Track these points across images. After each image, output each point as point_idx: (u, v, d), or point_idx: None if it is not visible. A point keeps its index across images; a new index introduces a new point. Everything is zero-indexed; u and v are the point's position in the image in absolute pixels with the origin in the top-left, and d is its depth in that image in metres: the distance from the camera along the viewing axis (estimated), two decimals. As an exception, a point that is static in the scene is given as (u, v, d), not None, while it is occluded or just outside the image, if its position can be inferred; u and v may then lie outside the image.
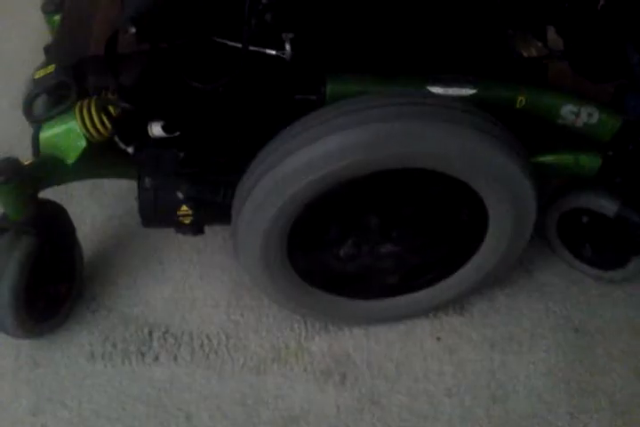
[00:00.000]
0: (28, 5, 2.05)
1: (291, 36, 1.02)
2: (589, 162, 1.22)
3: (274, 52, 1.04)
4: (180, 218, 1.18)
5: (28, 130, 1.22)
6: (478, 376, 1.26)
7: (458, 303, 1.36)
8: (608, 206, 1.26)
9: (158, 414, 1.21)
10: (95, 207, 1.54)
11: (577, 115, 1.17)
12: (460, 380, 1.26)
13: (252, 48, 1.03)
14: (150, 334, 1.32)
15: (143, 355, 1.29)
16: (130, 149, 1.16)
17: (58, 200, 1.41)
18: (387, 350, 1.30)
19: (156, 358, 1.29)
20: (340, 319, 1.33)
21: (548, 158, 1.22)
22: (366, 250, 1.20)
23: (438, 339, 1.32)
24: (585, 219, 1.32)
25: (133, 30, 0.97)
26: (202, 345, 1.31)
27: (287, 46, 1.02)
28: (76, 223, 1.48)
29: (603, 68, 1.23)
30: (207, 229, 1.46)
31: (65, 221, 1.28)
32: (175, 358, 1.29)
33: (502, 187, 1.09)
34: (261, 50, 1.04)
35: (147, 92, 1.09)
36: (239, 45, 1.02)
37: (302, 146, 1.01)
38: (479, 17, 1.15)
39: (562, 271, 1.42)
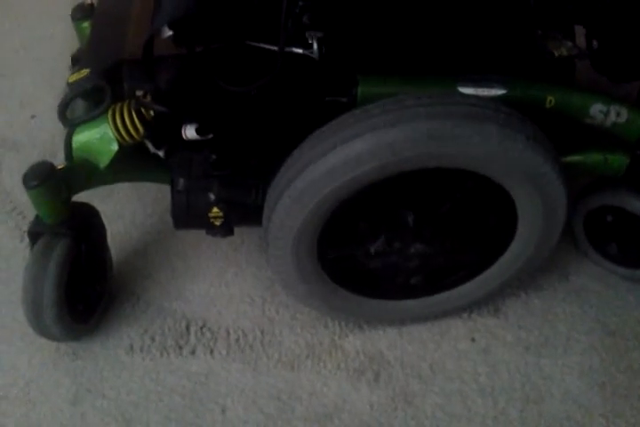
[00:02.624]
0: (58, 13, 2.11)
1: (318, 34, 1.03)
2: (618, 161, 1.23)
3: (301, 51, 1.04)
4: (212, 220, 1.20)
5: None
6: (512, 378, 1.26)
7: (492, 305, 1.36)
8: (635, 204, 1.26)
9: (194, 406, 1.23)
10: (135, 204, 1.57)
11: (606, 114, 1.17)
12: (494, 381, 1.26)
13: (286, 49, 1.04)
14: (187, 328, 1.35)
15: (181, 348, 1.31)
16: (161, 153, 1.17)
17: (99, 197, 1.45)
18: (421, 349, 1.31)
19: (193, 352, 1.31)
20: (367, 319, 1.33)
21: (577, 158, 1.22)
22: (397, 248, 1.21)
23: (473, 340, 1.32)
24: (612, 217, 1.33)
25: (170, 34, 0.98)
26: (237, 340, 1.33)
27: (315, 45, 1.03)
28: (116, 219, 1.53)
29: (625, 68, 1.23)
30: (244, 228, 1.49)
31: (98, 223, 1.30)
32: (211, 352, 1.31)
33: (534, 187, 1.09)
34: (289, 49, 1.04)
35: (182, 95, 1.11)
36: (273, 48, 1.03)
37: (338, 145, 1.02)
38: (509, 17, 1.15)
39: (598, 275, 1.41)
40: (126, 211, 1.55)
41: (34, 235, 1.21)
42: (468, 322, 1.35)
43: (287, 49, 1.04)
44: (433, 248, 1.22)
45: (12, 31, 2.06)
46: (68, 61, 1.89)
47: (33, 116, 1.80)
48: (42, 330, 1.23)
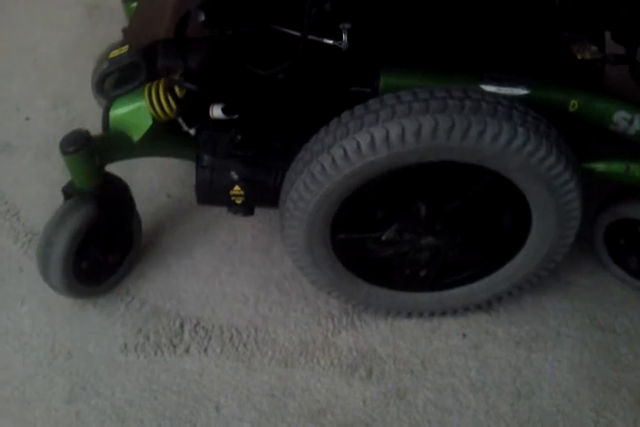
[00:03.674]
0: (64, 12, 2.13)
1: (348, 26, 1.06)
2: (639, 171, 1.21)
3: (331, 42, 1.07)
4: (233, 198, 1.23)
5: (65, 129, 1.26)
6: (504, 372, 1.28)
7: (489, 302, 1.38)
8: None
9: (189, 403, 1.24)
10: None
11: (630, 122, 1.16)
12: (485, 376, 1.27)
13: (311, 37, 1.07)
14: (182, 326, 1.36)
15: (175, 347, 1.32)
16: (192, 131, 1.21)
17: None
18: (413, 345, 1.32)
19: (187, 350, 1.32)
20: (374, 306, 1.34)
21: (600, 166, 1.21)
22: (408, 238, 1.22)
23: (464, 335, 1.33)
24: (631, 231, 1.31)
25: (203, 17, 1.02)
26: (231, 338, 1.34)
27: (344, 36, 1.06)
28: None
29: None
30: (237, 226, 1.52)
31: (126, 197, 1.35)
32: (205, 350, 1.32)
33: (547, 188, 1.09)
34: (319, 39, 1.08)
35: (211, 75, 1.15)
36: (299, 34, 1.06)
37: (353, 133, 1.04)
38: (536, 18, 1.16)
39: (588, 271, 1.42)
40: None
41: (66, 194, 1.28)
42: (459, 318, 1.36)
43: (317, 39, 1.07)
44: (444, 242, 1.23)
45: (6, 35, 2.07)
46: (64, 65, 1.91)
47: (27, 119, 1.81)
48: (48, 281, 1.30)
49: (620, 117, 1.16)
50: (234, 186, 1.21)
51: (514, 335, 1.33)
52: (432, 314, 1.35)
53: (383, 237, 1.21)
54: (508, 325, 1.35)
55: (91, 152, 1.21)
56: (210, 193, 1.23)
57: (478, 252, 1.27)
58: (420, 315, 1.35)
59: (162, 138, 1.30)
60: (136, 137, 1.27)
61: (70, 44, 2.01)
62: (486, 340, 1.33)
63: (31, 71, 1.94)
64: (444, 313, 1.35)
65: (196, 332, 1.35)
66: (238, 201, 1.23)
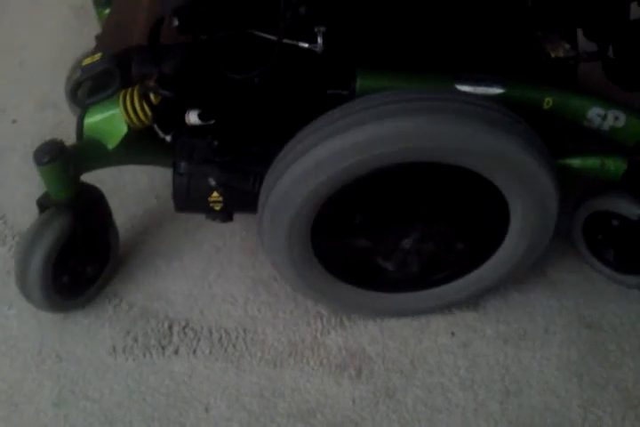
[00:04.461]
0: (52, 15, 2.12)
1: (323, 29, 1.06)
2: (614, 166, 1.22)
3: (306, 46, 1.08)
4: (211, 204, 1.22)
5: (52, 131, 1.26)
6: (492, 370, 1.28)
7: (471, 299, 1.38)
8: (631, 210, 1.26)
9: (178, 405, 1.24)
10: (118, 206, 1.55)
11: (604, 118, 1.18)
12: (474, 374, 1.28)
13: (286, 41, 1.07)
14: (170, 328, 1.35)
15: (163, 348, 1.32)
16: (168, 138, 1.21)
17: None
18: (402, 344, 1.32)
19: (176, 352, 1.32)
20: (359, 310, 1.35)
21: (575, 162, 1.22)
22: (390, 239, 1.23)
23: (452, 334, 1.34)
24: (610, 223, 1.32)
25: (176, 22, 1.02)
26: (220, 339, 1.34)
27: (319, 40, 1.06)
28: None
29: (637, 76, 1.24)
30: (226, 228, 1.51)
31: (102, 206, 1.34)
32: (194, 352, 1.31)
33: (524, 185, 1.10)
34: (294, 43, 1.08)
35: (186, 80, 1.15)
36: (274, 38, 1.06)
37: (334, 135, 1.04)
38: (509, 17, 1.17)
39: (575, 269, 1.43)
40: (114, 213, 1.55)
41: (42, 206, 1.26)
42: (447, 316, 1.36)
43: (292, 42, 1.07)
44: (425, 242, 1.23)
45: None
46: (51, 67, 1.91)
47: (14, 121, 1.80)
48: (28, 296, 1.28)
49: (594, 114, 1.17)
50: (212, 192, 1.20)
51: (502, 333, 1.34)
52: (419, 313, 1.35)
53: (364, 241, 1.21)
54: (496, 323, 1.35)
55: (65, 162, 1.20)
56: (188, 200, 1.22)
57: (461, 249, 1.27)
58: (408, 315, 1.35)
59: (138, 145, 1.29)
60: (111, 145, 1.25)
61: (57, 46, 2.00)
62: (475, 338, 1.33)
63: (18, 73, 1.94)
64: (430, 312, 1.35)
65: (184, 333, 1.35)
66: (217, 207, 1.22)
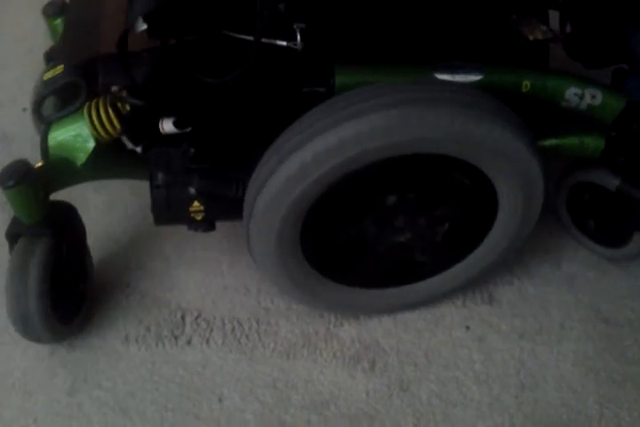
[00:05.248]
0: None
1: (302, 26, 1.03)
2: (593, 143, 1.24)
3: (285, 44, 1.04)
4: (192, 214, 1.19)
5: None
6: (507, 365, 1.27)
7: (486, 293, 1.37)
8: (610, 180, 1.28)
9: (191, 395, 1.24)
10: (128, 194, 1.56)
11: (581, 97, 1.19)
12: (489, 368, 1.27)
13: (263, 40, 1.03)
14: (183, 318, 1.35)
15: (176, 338, 1.31)
16: (138, 149, 1.16)
17: (92, 187, 1.46)
18: (416, 338, 1.32)
19: (189, 342, 1.31)
20: (361, 310, 1.34)
21: (553, 142, 1.24)
22: (379, 236, 1.21)
23: (467, 328, 1.33)
24: (590, 195, 1.36)
25: (145, 27, 0.97)
26: (233, 330, 1.33)
27: (298, 37, 1.03)
28: (109, 210, 1.53)
29: (599, 54, 1.25)
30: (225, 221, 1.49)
31: (76, 221, 1.27)
32: (207, 342, 1.31)
33: (511, 170, 1.10)
34: (272, 41, 1.04)
35: (158, 88, 1.10)
36: (250, 38, 1.02)
37: (322, 132, 1.02)
38: (483, 2, 1.15)
39: (591, 263, 1.42)
40: (119, 201, 1.55)
41: (13, 236, 1.19)
42: (462, 310, 1.35)
43: (269, 41, 1.03)
44: (415, 234, 1.22)
45: (2, 24, 2.05)
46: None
47: (24, 109, 1.79)
48: (29, 333, 1.21)
49: (572, 94, 1.18)
50: (192, 202, 1.17)
51: (517, 328, 1.33)
52: (425, 303, 1.35)
53: (355, 239, 1.20)
54: (512, 317, 1.34)
55: (33, 183, 1.13)
56: (168, 212, 1.18)
57: (452, 236, 1.26)
58: (415, 306, 1.35)
59: (109, 159, 1.22)
60: (80, 161, 1.17)
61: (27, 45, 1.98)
62: (490, 332, 1.32)
63: (28, 61, 1.92)
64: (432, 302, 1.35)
65: (197, 324, 1.34)
66: (198, 217, 1.19)
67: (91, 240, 1.33)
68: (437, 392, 1.24)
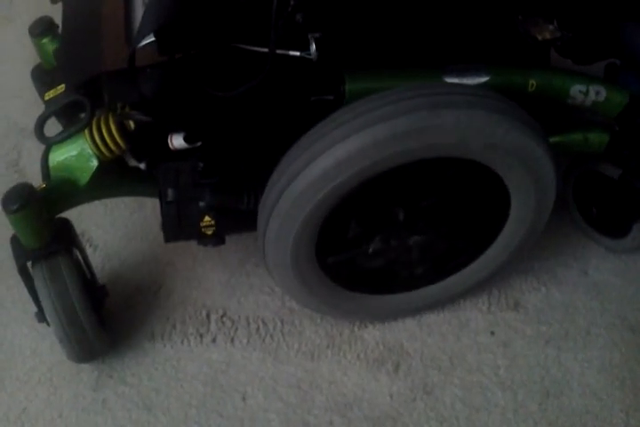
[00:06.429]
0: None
1: (318, 35, 1.01)
2: (598, 139, 1.27)
3: (298, 54, 1.02)
4: (203, 229, 1.18)
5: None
6: (532, 371, 1.27)
7: (512, 299, 1.37)
8: (613, 169, 1.30)
9: (215, 393, 1.24)
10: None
11: (586, 94, 1.20)
12: (513, 374, 1.26)
13: (278, 51, 1.01)
14: (208, 316, 1.35)
15: (201, 336, 1.32)
16: (142, 165, 1.15)
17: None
18: (440, 341, 1.31)
19: (214, 340, 1.32)
20: (382, 316, 1.34)
21: (558, 139, 1.25)
22: (394, 244, 1.21)
23: (492, 333, 1.32)
24: (596, 186, 1.37)
25: (151, 40, 0.96)
26: (258, 329, 1.33)
27: (313, 46, 1.01)
28: (137, 209, 1.55)
29: (590, 50, 1.25)
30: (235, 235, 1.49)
31: (73, 232, 1.23)
32: (232, 341, 1.31)
33: (527, 170, 1.10)
34: (285, 52, 1.02)
35: (168, 103, 1.07)
36: (262, 50, 1.00)
37: (326, 149, 1.00)
38: (490, 4, 1.14)
39: (618, 271, 1.41)
40: (147, 200, 1.55)
41: (24, 268, 1.16)
42: (487, 316, 1.35)
43: (283, 52, 1.02)
44: (430, 237, 1.22)
45: (22, 18, 2.06)
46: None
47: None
48: (84, 350, 1.21)
49: (577, 91, 1.20)
50: (204, 216, 1.16)
51: (543, 334, 1.32)
52: (443, 304, 1.35)
53: (370, 250, 1.20)
54: (537, 323, 1.34)
55: (37, 206, 1.11)
56: (179, 228, 1.17)
57: (465, 237, 1.25)
58: (434, 307, 1.35)
59: (112, 177, 1.21)
60: (82, 181, 1.15)
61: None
62: (515, 338, 1.31)
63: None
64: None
65: (222, 322, 1.35)
66: (209, 232, 1.18)
67: (119, 238, 1.34)
68: (461, 397, 1.24)
